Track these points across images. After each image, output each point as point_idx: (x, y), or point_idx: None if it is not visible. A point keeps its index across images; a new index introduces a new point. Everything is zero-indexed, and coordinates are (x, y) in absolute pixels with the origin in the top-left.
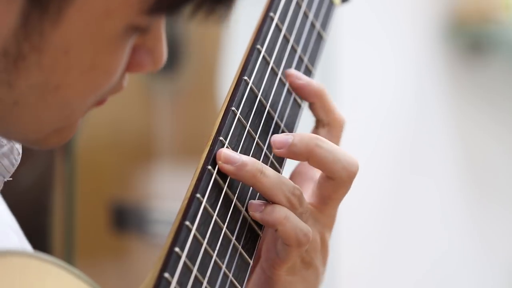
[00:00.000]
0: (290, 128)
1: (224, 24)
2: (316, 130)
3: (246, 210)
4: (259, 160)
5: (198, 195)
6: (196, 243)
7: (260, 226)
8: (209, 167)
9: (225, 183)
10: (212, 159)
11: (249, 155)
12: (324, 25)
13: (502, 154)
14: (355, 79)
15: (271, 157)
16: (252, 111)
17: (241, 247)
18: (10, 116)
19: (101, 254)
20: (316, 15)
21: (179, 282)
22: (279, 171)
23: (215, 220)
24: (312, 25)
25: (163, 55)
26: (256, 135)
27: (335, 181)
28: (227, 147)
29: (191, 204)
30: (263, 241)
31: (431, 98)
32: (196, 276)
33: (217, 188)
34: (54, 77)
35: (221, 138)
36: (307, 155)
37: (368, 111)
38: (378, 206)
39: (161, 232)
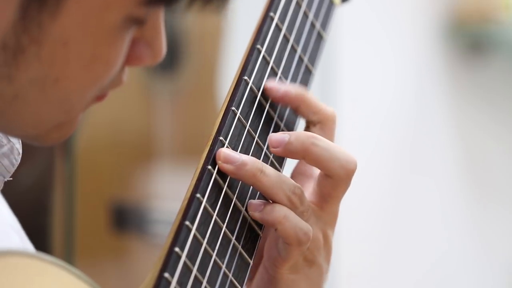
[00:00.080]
0: (290, 127)
1: (221, 15)
2: (308, 130)
3: (246, 209)
4: (259, 159)
5: (198, 195)
6: (196, 243)
7: (260, 226)
8: (209, 167)
9: (225, 183)
10: (212, 159)
11: (249, 155)
12: (324, 25)
13: (502, 154)
14: (355, 79)
15: (271, 157)
16: (252, 111)
17: (241, 247)
18: (10, 111)
19: (101, 254)
20: (316, 15)
21: (179, 282)
22: (279, 171)
23: (215, 220)
24: (312, 25)
25: (162, 48)
26: (256, 135)
27: (334, 179)
28: (227, 147)
29: (191, 204)
30: (265, 240)
31: (431, 98)
32: (196, 276)
33: (217, 188)
34: (54, 69)
35: (221, 138)
36: (303, 154)
37: (368, 111)
38: (378, 206)
39: (161, 232)
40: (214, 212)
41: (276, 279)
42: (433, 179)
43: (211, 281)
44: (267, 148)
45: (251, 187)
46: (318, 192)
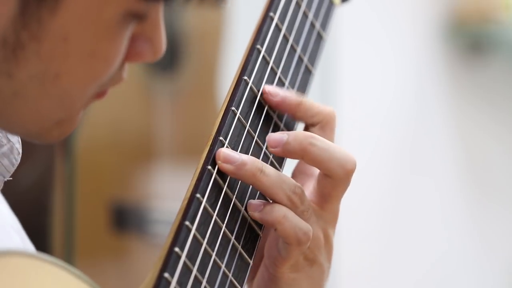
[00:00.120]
0: (290, 127)
1: (220, 11)
2: (307, 130)
3: (246, 209)
4: (259, 159)
5: (198, 195)
6: (196, 243)
7: (260, 226)
8: (209, 167)
9: (225, 183)
10: (212, 159)
11: (249, 155)
12: (324, 25)
13: (502, 154)
14: (355, 79)
15: (271, 157)
16: (252, 111)
17: (241, 247)
18: (10, 108)
19: (101, 254)
20: (316, 15)
21: (178, 282)
22: (279, 171)
23: (215, 220)
24: (312, 25)
25: (162, 44)
26: (255, 134)
27: (333, 179)
28: (227, 147)
29: (191, 204)
30: (266, 239)
31: (431, 98)
32: (195, 276)
33: (217, 188)
34: (54, 65)
35: (221, 138)
36: (301, 154)
37: (368, 111)
38: (378, 206)
39: (161, 232)
40: (214, 212)
41: (277, 278)
42: (433, 179)
43: (211, 281)
44: (267, 148)
45: (251, 187)
46: (318, 192)
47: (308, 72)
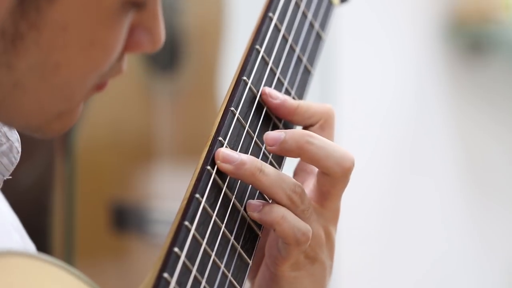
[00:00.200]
0: (289, 127)
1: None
2: (307, 128)
3: (245, 210)
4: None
5: (197, 195)
6: (195, 243)
7: (259, 226)
8: (208, 167)
9: (224, 183)
10: (211, 159)
11: (248, 155)
12: (323, 25)
13: (502, 154)
14: (355, 79)
15: (270, 156)
16: (251, 111)
17: (240, 247)
18: (10, 100)
19: (101, 254)
20: (315, 15)
21: (178, 282)
22: None
23: (214, 220)
24: (311, 25)
25: (161, 34)
26: (254, 134)
27: (331, 177)
28: (226, 147)
29: (190, 204)
30: (266, 238)
31: (431, 98)
32: (195, 276)
33: (216, 188)
34: (53, 55)
35: (220, 138)
36: (298, 152)
37: (368, 111)
38: (378, 206)
39: (161, 232)
40: (213, 212)
41: (278, 276)
42: (433, 179)
43: (210, 281)
44: (266, 148)
45: (251, 187)
46: (317, 190)
47: (307, 72)
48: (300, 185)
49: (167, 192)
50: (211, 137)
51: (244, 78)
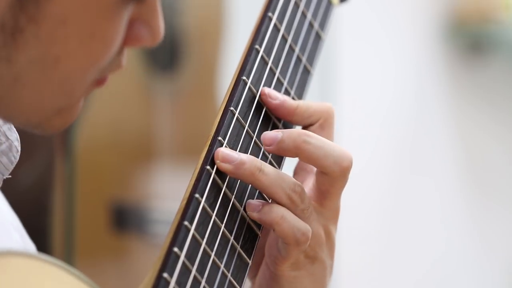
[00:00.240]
0: (288, 127)
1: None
2: (306, 128)
3: (245, 210)
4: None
5: (196, 195)
6: (195, 243)
7: (259, 226)
8: (208, 167)
9: (224, 183)
10: (210, 158)
11: (247, 154)
12: (323, 25)
13: (502, 154)
14: (355, 79)
15: (270, 156)
16: (250, 111)
17: (240, 247)
18: (11, 95)
19: (101, 254)
20: (314, 15)
21: (178, 282)
22: None
23: (214, 220)
24: (311, 25)
25: (160, 28)
26: (254, 134)
27: (329, 176)
28: (225, 146)
29: (190, 204)
30: (266, 237)
31: (431, 98)
32: (195, 276)
33: (215, 188)
34: (53, 49)
35: (219, 138)
36: (295, 152)
37: (368, 111)
38: (378, 206)
39: (161, 232)
40: (213, 212)
41: (278, 276)
42: (433, 179)
43: (210, 281)
44: None
45: (250, 186)
46: (316, 189)
47: (306, 72)
48: (300, 184)
49: (167, 192)
50: (211, 137)
51: (244, 78)
